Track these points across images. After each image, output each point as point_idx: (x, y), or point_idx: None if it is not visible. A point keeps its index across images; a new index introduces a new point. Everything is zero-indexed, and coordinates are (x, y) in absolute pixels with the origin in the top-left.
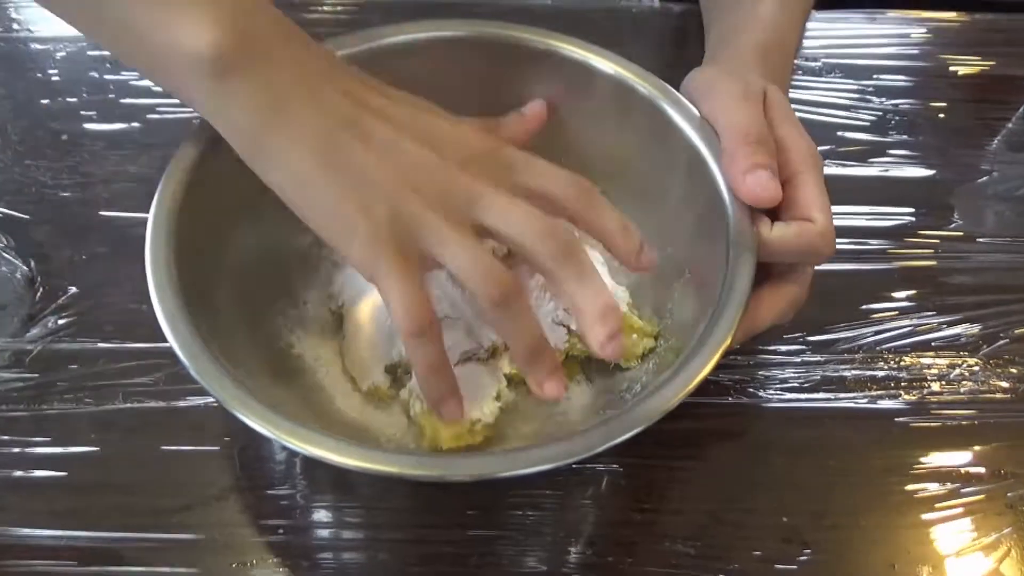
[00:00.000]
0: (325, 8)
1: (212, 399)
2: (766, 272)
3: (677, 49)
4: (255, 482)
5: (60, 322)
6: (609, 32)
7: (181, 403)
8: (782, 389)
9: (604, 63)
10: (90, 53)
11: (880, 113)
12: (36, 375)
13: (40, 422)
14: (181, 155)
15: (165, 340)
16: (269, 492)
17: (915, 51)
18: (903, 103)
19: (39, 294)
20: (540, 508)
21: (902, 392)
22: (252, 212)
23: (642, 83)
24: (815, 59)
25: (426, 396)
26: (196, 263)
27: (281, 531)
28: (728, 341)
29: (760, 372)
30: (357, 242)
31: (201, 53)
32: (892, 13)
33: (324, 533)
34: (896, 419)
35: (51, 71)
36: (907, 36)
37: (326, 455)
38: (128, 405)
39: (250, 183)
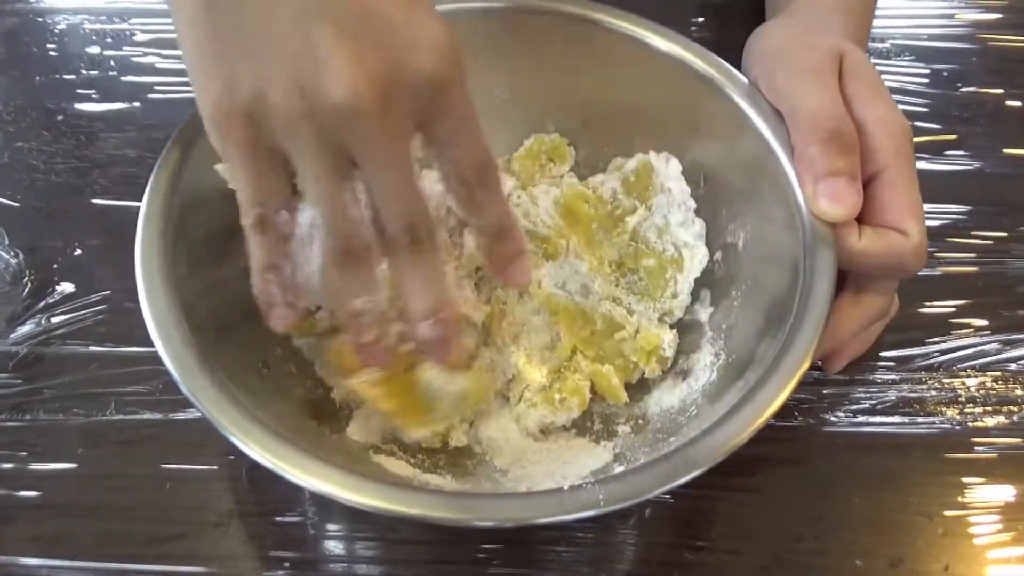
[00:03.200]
0: None
1: None
2: (841, 278)
3: (717, 28)
4: (262, 507)
5: (48, 322)
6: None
7: (180, 415)
8: (853, 411)
9: (659, 40)
10: (90, 27)
11: (955, 100)
12: (20, 381)
13: (23, 434)
14: (179, 138)
15: None
16: (276, 519)
17: (991, 32)
18: (981, 91)
19: (26, 290)
20: (575, 543)
21: (988, 417)
22: None
23: (700, 62)
24: (882, 40)
25: (257, 299)
26: (193, 262)
27: (288, 564)
28: (806, 364)
29: (827, 390)
30: (212, 101)
31: None
32: None
33: (335, 568)
34: (980, 447)
35: (49, 46)
36: (980, 16)
37: (337, 492)
38: (120, 416)
39: None
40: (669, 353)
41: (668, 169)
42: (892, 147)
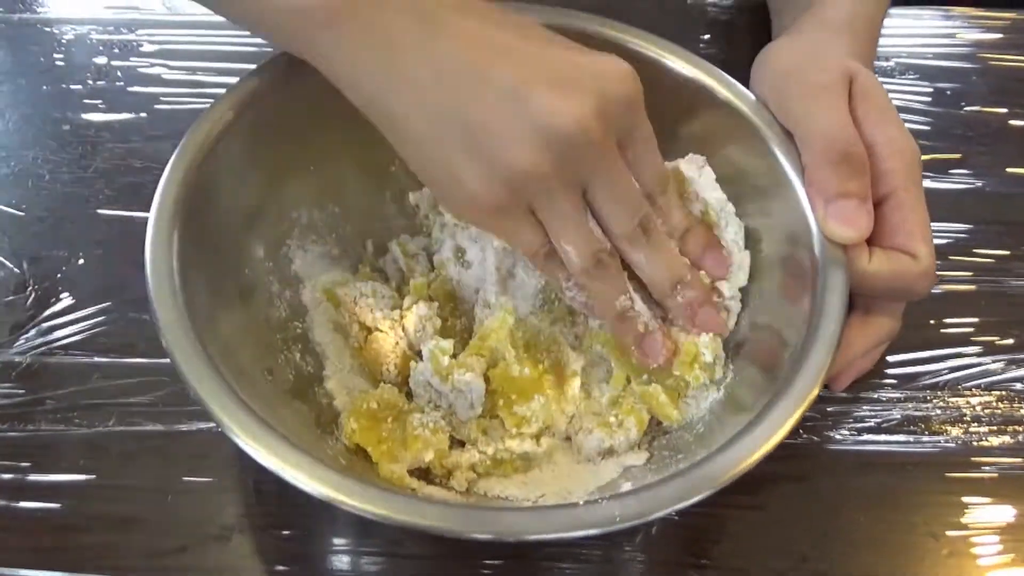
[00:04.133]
0: None
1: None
2: (851, 300)
3: (728, 46)
4: (266, 520)
5: (52, 332)
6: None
7: (182, 427)
8: (857, 429)
9: (676, 61)
10: (98, 37)
11: (958, 120)
12: (22, 391)
13: (24, 444)
14: (185, 149)
15: (166, 356)
16: (280, 533)
17: (993, 52)
18: (985, 110)
19: (30, 300)
20: (580, 560)
21: (995, 436)
22: (263, 212)
23: (711, 80)
24: (886, 58)
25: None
26: (203, 269)
27: None
28: (817, 389)
29: (831, 408)
30: (466, 195)
31: (310, 3)
32: (967, 10)
33: None
34: (987, 467)
35: (56, 55)
36: (987, 35)
37: (349, 500)
38: (122, 428)
39: (260, 179)
40: (709, 358)
41: (702, 179)
42: (902, 170)
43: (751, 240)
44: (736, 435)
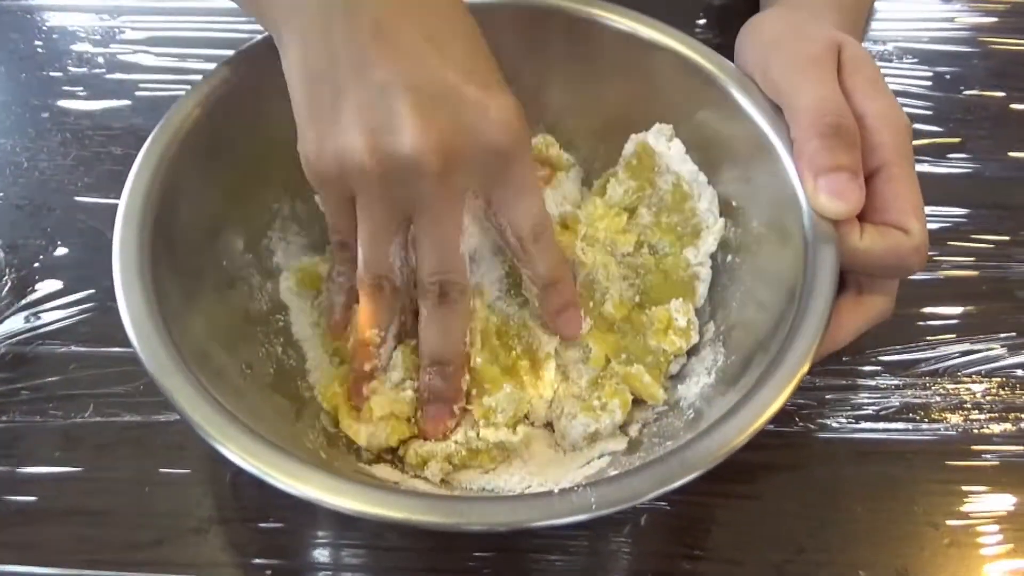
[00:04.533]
0: None
1: None
2: (842, 277)
3: (723, 30)
4: (245, 513)
5: (28, 321)
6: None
7: (160, 417)
8: (855, 417)
9: (657, 35)
10: (79, 24)
11: (958, 103)
12: None
13: None
14: (156, 140)
15: None
16: (259, 525)
17: (992, 36)
18: (984, 94)
19: (6, 288)
20: (568, 552)
21: (995, 424)
22: (241, 204)
23: (698, 57)
24: (884, 42)
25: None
26: (175, 265)
27: (270, 572)
28: (806, 367)
29: (828, 396)
30: (304, 150)
31: None
32: None
33: None
34: (987, 455)
35: (36, 42)
36: (986, 19)
37: (321, 496)
38: (99, 418)
39: (236, 171)
40: (683, 323)
41: (672, 151)
42: (893, 143)
43: (742, 219)
44: (721, 418)
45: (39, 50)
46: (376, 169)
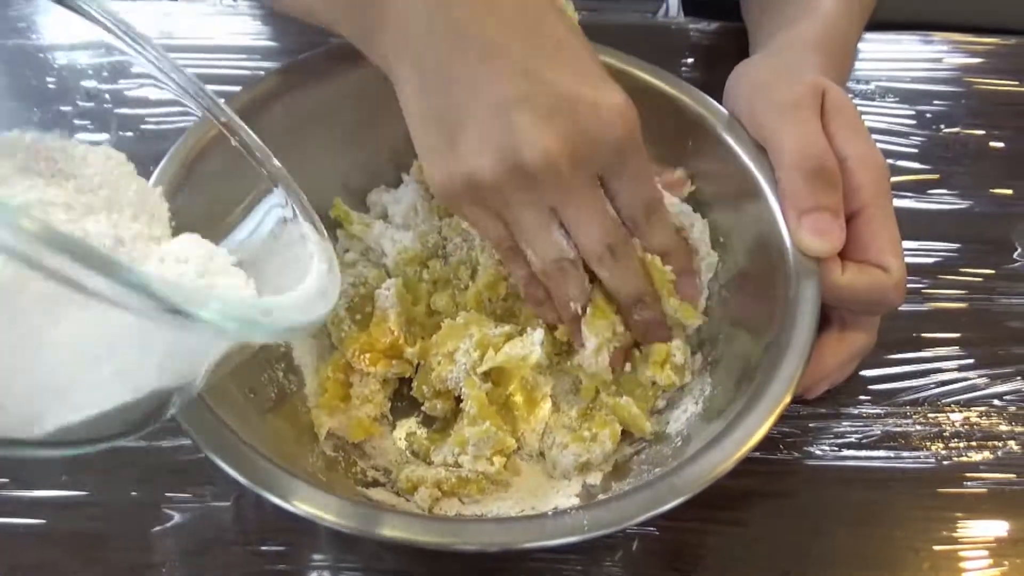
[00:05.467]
0: None
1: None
2: (825, 314)
3: (709, 69)
4: (245, 536)
5: None
6: (627, 46)
7: (164, 443)
8: (838, 445)
9: (645, 75)
10: (89, 61)
11: (939, 141)
12: None
13: (3, 461)
14: (169, 163)
15: None
16: (260, 548)
17: (975, 76)
18: (964, 132)
19: None
20: (561, 575)
21: (974, 452)
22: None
23: (684, 97)
24: (866, 81)
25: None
26: None
27: None
28: (789, 396)
29: (812, 424)
30: (434, 177)
31: None
32: (947, 35)
33: None
34: (969, 482)
35: (48, 79)
36: (964, 60)
37: (323, 515)
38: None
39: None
40: (680, 360)
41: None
42: (872, 184)
43: (729, 254)
44: (706, 445)
45: (50, 86)
46: (509, 185)
